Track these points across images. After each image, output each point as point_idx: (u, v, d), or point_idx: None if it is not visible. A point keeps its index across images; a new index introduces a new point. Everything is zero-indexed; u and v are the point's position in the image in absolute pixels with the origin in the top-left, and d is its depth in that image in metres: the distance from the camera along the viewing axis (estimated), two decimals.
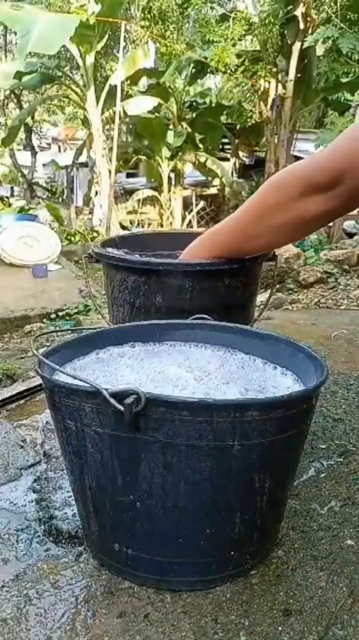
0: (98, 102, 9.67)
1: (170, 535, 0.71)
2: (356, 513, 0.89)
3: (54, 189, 15.13)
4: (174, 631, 0.67)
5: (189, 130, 10.81)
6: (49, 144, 18.97)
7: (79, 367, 0.85)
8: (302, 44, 7.90)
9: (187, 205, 11.49)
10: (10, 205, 11.49)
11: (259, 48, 9.21)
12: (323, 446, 1.11)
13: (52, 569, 0.77)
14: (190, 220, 11.24)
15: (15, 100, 12.67)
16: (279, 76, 9.26)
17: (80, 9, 9.29)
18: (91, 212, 11.17)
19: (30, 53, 8.14)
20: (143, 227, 10.97)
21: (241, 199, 10.89)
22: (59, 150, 18.27)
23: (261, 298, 1.68)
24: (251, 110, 10.63)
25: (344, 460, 1.06)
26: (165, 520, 0.70)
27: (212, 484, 0.68)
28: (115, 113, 9.12)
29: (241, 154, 12.64)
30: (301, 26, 8.32)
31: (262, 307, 1.28)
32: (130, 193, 11.69)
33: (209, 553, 0.72)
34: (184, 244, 1.10)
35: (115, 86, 8.87)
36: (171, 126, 10.58)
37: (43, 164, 16.46)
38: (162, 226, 10.94)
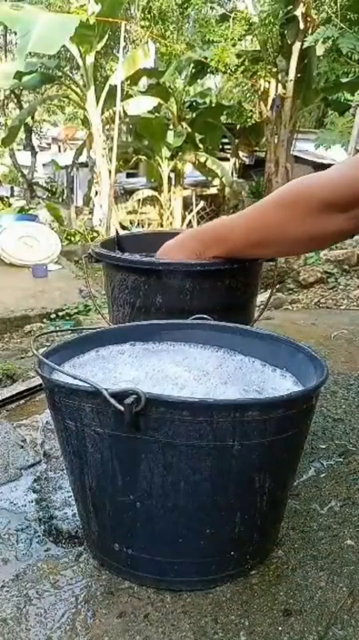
0: (98, 102, 9.67)
1: (170, 535, 0.71)
2: (356, 513, 0.89)
3: (54, 189, 15.14)
4: (174, 631, 0.67)
5: (189, 130, 10.82)
6: (49, 144, 18.97)
7: (79, 364, 0.85)
8: (302, 44, 7.91)
9: (187, 205, 11.50)
10: (10, 205, 11.50)
11: (259, 48, 9.22)
12: (323, 446, 1.11)
13: (52, 569, 0.77)
14: (190, 220, 11.24)
15: (15, 100, 12.68)
16: (279, 76, 9.27)
17: (80, 9, 9.30)
18: (91, 212, 11.17)
19: (30, 53, 8.15)
20: (143, 227, 10.97)
21: (241, 199, 10.91)
22: (59, 150, 18.27)
23: (261, 298, 1.68)
24: (251, 110, 10.64)
25: (344, 460, 1.06)
26: (165, 520, 0.70)
27: (212, 484, 0.68)
28: (115, 113, 9.13)
29: (241, 154, 12.65)
30: (301, 26, 8.33)
31: (262, 307, 1.28)
32: (130, 193, 11.70)
33: (209, 553, 0.72)
34: None
35: (115, 86, 8.88)
36: (171, 126, 10.59)
37: (43, 164, 16.47)
38: (162, 226, 10.94)
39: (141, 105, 9.69)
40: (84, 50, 9.06)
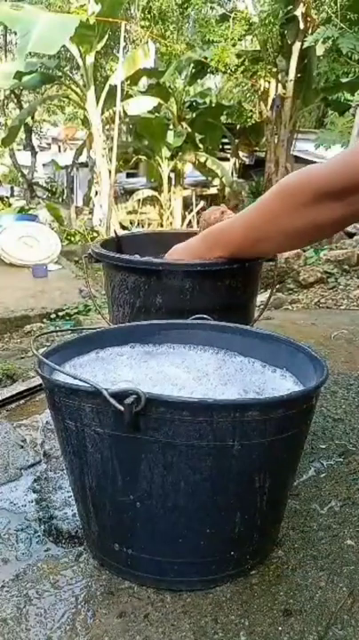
0: (98, 102, 9.67)
1: (170, 535, 0.71)
2: (356, 513, 0.89)
3: (54, 189, 15.14)
4: (174, 631, 0.67)
5: (189, 130, 10.81)
6: (49, 144, 18.97)
7: (79, 365, 0.85)
8: (302, 44, 7.91)
9: (187, 205, 11.50)
10: (10, 205, 11.50)
11: (259, 48, 9.22)
12: (323, 446, 1.11)
13: (52, 569, 0.77)
14: (190, 220, 11.24)
15: (15, 100, 12.68)
16: (279, 76, 9.27)
17: (80, 9, 9.30)
18: (91, 212, 11.17)
19: (30, 53, 8.15)
20: (143, 227, 10.97)
21: (241, 199, 10.91)
22: (59, 150, 18.28)
23: (261, 298, 1.68)
24: (251, 110, 10.64)
25: (344, 460, 1.06)
26: (165, 520, 0.70)
27: (212, 483, 0.68)
28: (115, 113, 9.12)
29: (241, 154, 12.64)
30: (301, 26, 8.33)
31: (262, 307, 1.28)
32: (130, 193, 11.70)
33: (209, 553, 0.72)
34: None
35: (115, 86, 8.88)
36: (171, 126, 10.59)
37: (43, 164, 16.47)
38: (162, 226, 10.94)
39: (141, 105, 9.69)
40: (84, 50, 9.06)
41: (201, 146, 11.19)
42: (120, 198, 11.36)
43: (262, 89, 9.81)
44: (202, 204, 11.74)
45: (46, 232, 8.04)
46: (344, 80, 8.11)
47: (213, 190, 12.02)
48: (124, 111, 9.43)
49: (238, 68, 9.17)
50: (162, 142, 10.35)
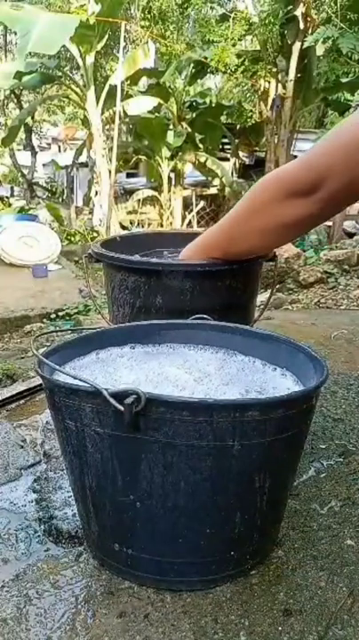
0: (98, 102, 9.66)
1: (170, 535, 0.71)
2: (356, 513, 0.89)
3: (54, 189, 15.13)
4: (174, 631, 0.67)
5: (189, 130, 10.81)
6: (49, 144, 18.97)
7: (79, 367, 0.85)
8: (302, 44, 7.90)
9: (187, 205, 11.49)
10: (10, 205, 11.50)
11: (259, 48, 9.21)
12: (323, 446, 1.11)
13: (52, 569, 0.77)
14: (190, 220, 11.24)
15: (15, 100, 12.67)
16: (279, 76, 9.26)
17: (80, 9, 9.29)
18: (91, 212, 11.16)
19: (30, 53, 8.14)
20: (143, 227, 10.97)
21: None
22: (59, 150, 18.26)
23: (261, 298, 1.68)
24: (251, 110, 10.63)
25: (344, 460, 1.06)
26: (165, 520, 0.70)
27: (212, 483, 0.68)
28: (115, 113, 9.11)
29: (241, 154, 12.63)
30: (301, 26, 8.32)
31: (262, 307, 1.28)
32: (130, 193, 11.69)
33: (209, 553, 0.72)
34: (184, 244, 1.10)
35: (115, 86, 8.87)
36: (171, 126, 10.58)
37: (43, 164, 16.46)
38: (162, 226, 10.94)
39: (141, 105, 9.68)
40: (84, 50, 9.05)
41: (201, 146, 11.18)
42: (120, 198, 11.36)
43: (262, 89, 9.80)
44: (202, 204, 11.74)
45: (46, 232, 8.03)
46: (344, 80, 8.10)
47: (213, 190, 12.01)
48: (124, 111, 9.42)
49: (238, 68, 9.16)
50: (162, 142, 10.34)
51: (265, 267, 1.19)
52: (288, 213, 0.90)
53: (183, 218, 11.35)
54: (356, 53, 6.60)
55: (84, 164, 11.97)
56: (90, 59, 9.23)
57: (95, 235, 9.71)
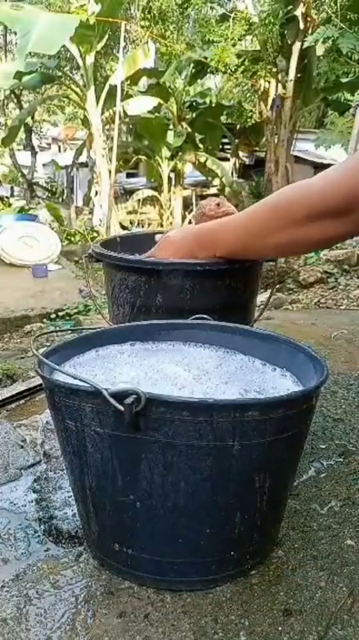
0: (98, 102, 9.67)
1: (170, 535, 0.71)
2: (356, 513, 0.89)
3: (54, 189, 15.14)
4: (174, 631, 0.67)
5: (189, 130, 10.81)
6: (49, 144, 18.98)
7: (78, 364, 0.85)
8: (302, 44, 7.91)
9: (187, 205, 11.49)
10: (10, 205, 11.50)
11: (259, 48, 9.21)
12: (323, 446, 1.11)
13: (52, 569, 0.77)
14: (190, 220, 11.24)
15: (15, 100, 12.68)
16: (279, 76, 9.27)
17: (80, 9, 9.29)
18: (91, 212, 11.17)
19: (30, 53, 8.14)
20: (143, 227, 10.97)
21: (241, 199, 10.90)
22: (59, 150, 18.28)
23: (261, 298, 1.68)
24: (251, 110, 10.64)
25: (344, 460, 1.06)
26: (165, 520, 0.70)
27: (212, 483, 0.68)
28: (115, 113, 9.12)
29: (241, 154, 12.64)
30: (301, 26, 8.32)
31: (262, 307, 1.28)
32: (130, 193, 11.70)
33: (209, 553, 0.72)
34: None
35: (115, 86, 8.87)
36: (171, 126, 10.58)
37: (43, 164, 16.48)
38: (162, 226, 10.94)
39: (141, 105, 9.69)
40: (84, 50, 9.05)
41: (201, 146, 11.19)
42: (120, 198, 11.36)
43: (262, 89, 9.80)
44: None
45: (46, 232, 8.04)
46: (344, 80, 8.11)
47: (213, 190, 12.02)
48: (124, 111, 9.43)
49: (238, 68, 9.17)
50: (162, 142, 10.35)
51: (265, 267, 1.19)
52: (313, 233, 0.85)
53: (183, 218, 11.35)
54: (356, 53, 6.60)
55: (84, 164, 11.97)
56: (90, 59, 9.24)
57: (95, 235, 9.72)
